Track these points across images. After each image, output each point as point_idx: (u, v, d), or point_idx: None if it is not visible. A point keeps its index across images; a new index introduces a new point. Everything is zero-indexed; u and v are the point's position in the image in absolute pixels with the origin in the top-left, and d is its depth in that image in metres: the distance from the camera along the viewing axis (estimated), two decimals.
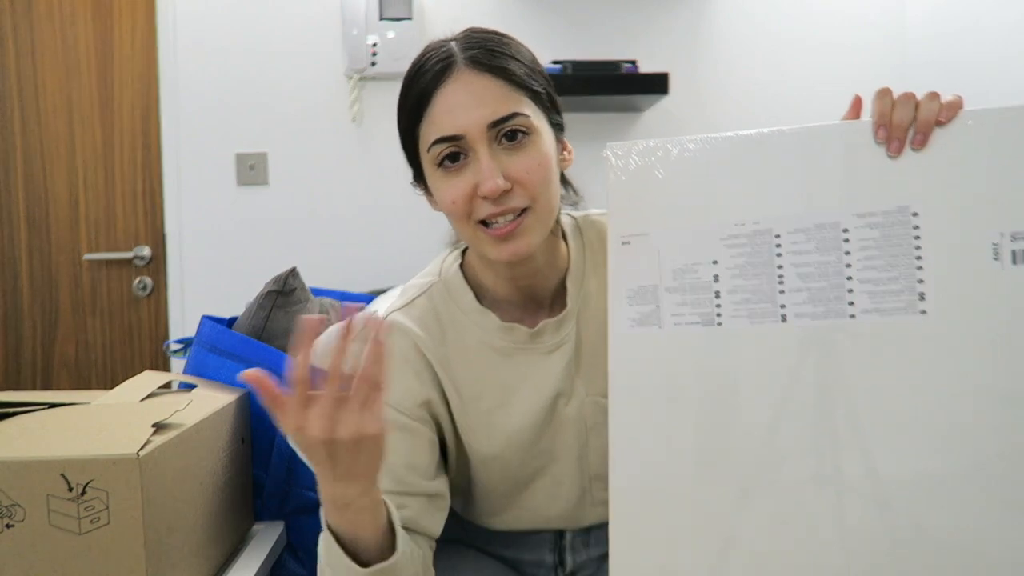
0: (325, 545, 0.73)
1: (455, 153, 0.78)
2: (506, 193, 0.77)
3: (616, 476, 0.78)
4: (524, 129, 0.78)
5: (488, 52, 0.79)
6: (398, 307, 0.91)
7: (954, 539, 0.69)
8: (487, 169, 0.76)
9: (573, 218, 0.94)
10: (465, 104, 0.77)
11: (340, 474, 0.66)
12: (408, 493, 0.83)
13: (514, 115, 0.78)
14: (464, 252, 0.93)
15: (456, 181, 0.78)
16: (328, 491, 0.68)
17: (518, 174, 0.77)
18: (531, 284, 0.88)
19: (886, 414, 0.71)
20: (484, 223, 0.79)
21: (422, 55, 0.82)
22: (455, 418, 0.90)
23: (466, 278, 0.90)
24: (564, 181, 0.91)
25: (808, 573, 0.72)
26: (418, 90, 0.79)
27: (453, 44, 0.80)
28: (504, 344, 0.88)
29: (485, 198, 0.77)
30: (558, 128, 0.86)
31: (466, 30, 0.83)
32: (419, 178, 0.87)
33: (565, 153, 0.88)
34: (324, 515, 0.72)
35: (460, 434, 0.90)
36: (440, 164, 0.79)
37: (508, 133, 0.78)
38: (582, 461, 0.91)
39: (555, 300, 0.91)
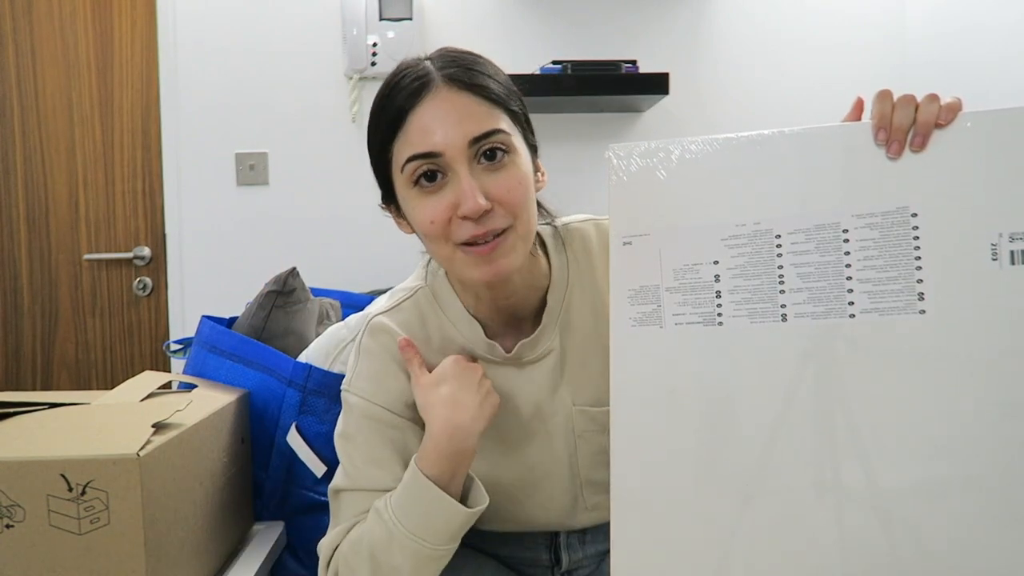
0: (417, 495, 0.78)
1: (432, 172, 0.76)
2: (487, 213, 0.75)
3: (617, 477, 0.78)
4: (504, 147, 0.76)
5: (466, 70, 0.77)
6: (383, 310, 0.91)
7: (953, 551, 0.69)
8: (468, 188, 0.74)
9: (553, 227, 0.92)
10: (444, 121, 0.74)
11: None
12: None
13: (495, 131, 0.76)
14: None
15: (434, 201, 0.76)
16: (459, 448, 0.79)
17: (499, 193, 0.75)
18: (510, 304, 0.87)
19: (885, 415, 0.71)
20: (464, 243, 0.77)
21: (396, 73, 0.79)
22: None
23: (452, 286, 0.90)
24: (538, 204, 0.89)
25: None
26: (393, 108, 0.77)
27: (428, 63, 0.78)
28: (485, 356, 0.88)
29: (466, 218, 0.75)
30: (533, 149, 0.84)
31: (440, 50, 0.81)
32: (388, 199, 0.85)
33: (539, 175, 0.86)
34: (423, 469, 0.78)
35: None
36: (416, 183, 0.77)
37: (488, 152, 0.76)
38: (572, 470, 0.91)
39: (537, 316, 0.90)
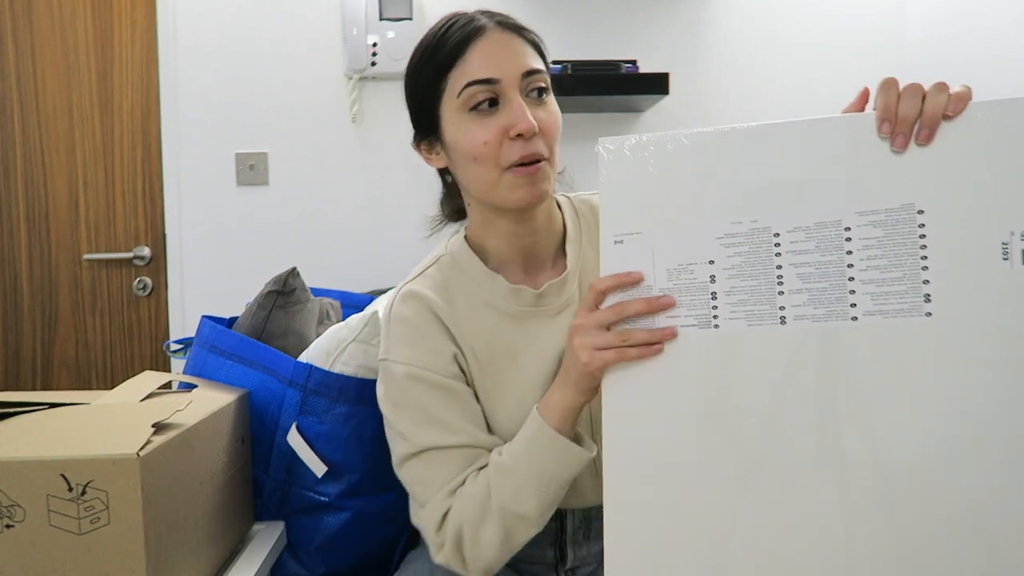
0: (546, 446, 0.82)
1: (488, 99, 0.84)
2: (533, 136, 0.83)
3: (611, 481, 0.75)
4: (546, 87, 0.87)
5: (514, 22, 0.89)
6: (410, 280, 0.96)
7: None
8: (520, 109, 0.83)
9: (565, 196, 1.01)
10: (501, 53, 0.85)
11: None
12: (477, 446, 0.88)
13: (542, 70, 0.87)
14: (465, 228, 0.98)
15: (488, 123, 0.84)
16: (580, 399, 0.81)
17: (544, 123, 0.85)
18: (532, 243, 0.93)
19: (889, 420, 0.68)
20: (515, 164, 0.84)
21: (446, 21, 0.88)
22: (474, 378, 0.92)
23: (471, 249, 0.95)
24: None
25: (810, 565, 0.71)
26: (451, 44, 0.85)
27: (477, 13, 0.88)
28: (512, 308, 0.92)
29: (520, 136, 0.82)
30: None
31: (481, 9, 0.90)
32: (422, 137, 0.92)
33: None
34: (550, 422, 0.82)
35: (478, 395, 0.92)
36: (474, 107, 0.84)
37: (535, 89, 0.86)
38: (595, 424, 0.92)
39: (555, 263, 0.96)
